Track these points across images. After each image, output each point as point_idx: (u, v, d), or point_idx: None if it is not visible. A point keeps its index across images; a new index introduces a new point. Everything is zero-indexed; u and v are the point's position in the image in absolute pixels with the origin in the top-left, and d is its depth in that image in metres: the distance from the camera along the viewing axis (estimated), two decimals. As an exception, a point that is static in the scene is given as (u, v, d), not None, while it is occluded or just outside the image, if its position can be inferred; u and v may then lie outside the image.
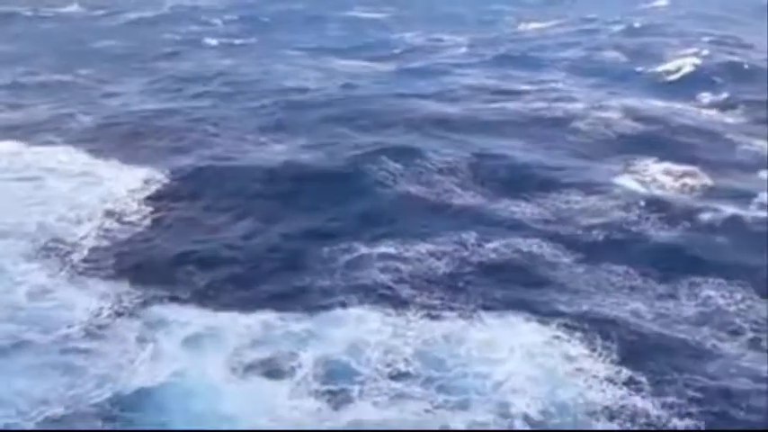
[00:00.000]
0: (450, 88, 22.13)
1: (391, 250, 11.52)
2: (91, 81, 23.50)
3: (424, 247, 11.72)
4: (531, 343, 9.50)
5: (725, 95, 21.93)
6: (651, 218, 13.35)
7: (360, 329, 9.70)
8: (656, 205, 13.85)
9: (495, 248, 11.99)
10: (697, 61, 25.84)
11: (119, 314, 10.18)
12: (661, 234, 12.72)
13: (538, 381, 8.78)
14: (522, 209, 13.76)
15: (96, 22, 34.12)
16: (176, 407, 8.23)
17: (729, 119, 19.89)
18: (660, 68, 25.01)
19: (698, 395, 8.53)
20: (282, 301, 10.37)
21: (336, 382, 8.82)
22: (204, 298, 10.57)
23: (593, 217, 13.40)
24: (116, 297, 10.61)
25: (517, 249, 12.01)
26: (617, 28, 32.74)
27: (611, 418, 8.17)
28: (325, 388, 8.75)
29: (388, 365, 9.05)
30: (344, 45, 29.95)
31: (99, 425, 7.91)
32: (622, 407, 8.33)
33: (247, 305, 10.29)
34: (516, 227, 12.96)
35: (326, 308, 10.22)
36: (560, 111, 19.54)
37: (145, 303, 10.45)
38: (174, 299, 10.54)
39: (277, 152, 16.61)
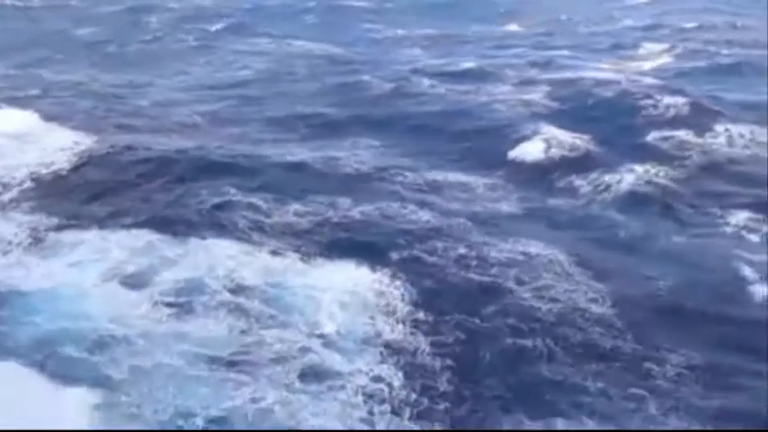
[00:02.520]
0: (392, 78, 24.37)
1: (262, 204, 14.06)
2: (60, 65, 26.74)
3: (294, 206, 14.15)
4: (357, 281, 11.68)
5: (668, 89, 23.75)
6: (517, 185, 15.80)
7: (218, 257, 12.19)
8: (527, 174, 16.48)
9: (362, 211, 14.25)
10: (653, 60, 27.94)
11: (29, 239, 12.99)
12: (513, 199, 15.07)
13: (348, 311, 10.93)
14: (407, 181, 16.02)
15: (81, 12, 37.49)
16: (45, 308, 10.68)
17: (654, 109, 21.72)
18: (610, 61, 27.20)
19: (464, 335, 10.42)
20: (163, 233, 12.99)
21: (188, 296, 11.19)
22: (101, 228, 13.35)
23: (465, 186, 15.73)
24: (32, 227, 13.46)
25: (383, 213, 14.26)
26: (594, 28, 34.83)
27: (386, 346, 10.13)
28: (177, 299, 11.10)
29: (233, 282, 11.46)
30: (314, 34, 32.89)
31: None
32: (399, 340, 10.32)
33: (133, 234, 12.96)
34: (394, 196, 15.17)
35: (197, 239, 12.80)
36: (485, 96, 21.99)
37: (53, 231, 13.28)
38: (77, 228, 13.33)
39: (204, 132, 19.40)
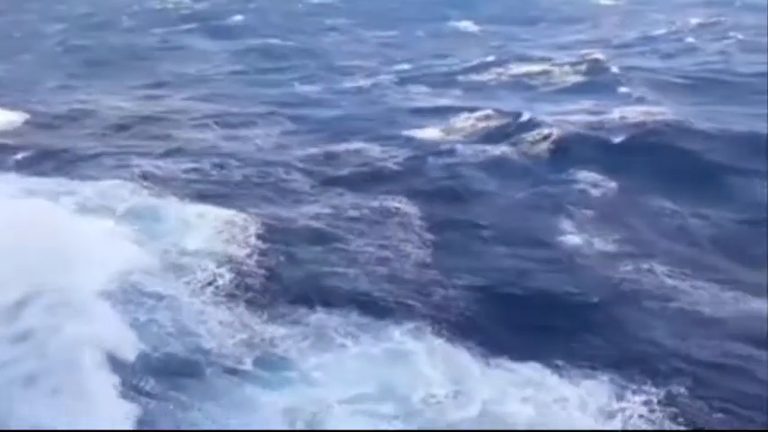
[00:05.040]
0: (329, 79, 28.17)
1: (161, 163, 17.95)
2: (23, 64, 31.12)
3: (186, 164, 17.81)
4: (222, 217, 14.84)
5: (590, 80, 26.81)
6: (404, 155, 18.84)
7: (111, 192, 16.00)
8: (417, 148, 19.46)
9: (245, 173, 17.63)
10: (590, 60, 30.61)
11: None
12: (395, 164, 18.18)
13: (208, 235, 14.16)
14: (303, 155, 19.14)
15: (53, 11, 42.19)
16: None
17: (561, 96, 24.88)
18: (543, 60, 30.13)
19: (289, 260, 13.36)
20: (73, 178, 17.09)
21: (85, 214, 14.78)
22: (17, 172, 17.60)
23: (356, 155, 18.87)
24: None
25: (265, 174, 17.56)
26: (550, 30, 38.02)
27: (229, 258, 13.22)
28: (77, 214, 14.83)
29: (119, 211, 15.00)
30: (278, 32, 37.03)
31: None
32: (239, 256, 13.34)
33: (49, 178, 17.12)
34: (283, 164, 18.33)
35: (100, 182, 16.64)
36: (406, 93, 25.48)
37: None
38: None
39: (128, 123, 22.83)
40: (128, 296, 11.87)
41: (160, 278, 12.51)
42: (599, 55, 30.18)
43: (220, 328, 11.05)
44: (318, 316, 11.49)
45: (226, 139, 20.55)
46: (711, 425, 9.65)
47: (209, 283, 12.35)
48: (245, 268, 12.97)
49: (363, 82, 27.02)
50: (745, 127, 20.52)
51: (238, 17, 42.11)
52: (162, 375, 10.16)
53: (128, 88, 26.97)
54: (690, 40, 35.05)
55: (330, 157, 18.95)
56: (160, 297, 11.86)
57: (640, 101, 23.27)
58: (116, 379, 9.92)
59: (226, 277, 12.58)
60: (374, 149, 19.51)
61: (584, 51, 31.17)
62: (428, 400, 9.81)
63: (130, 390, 9.85)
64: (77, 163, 18.37)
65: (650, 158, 18.61)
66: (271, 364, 10.35)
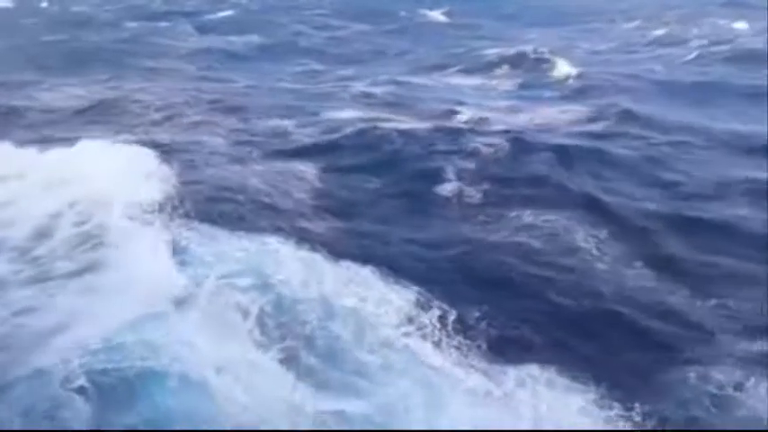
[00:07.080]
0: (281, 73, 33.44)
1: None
2: None
3: (124, 138, 22.23)
4: (150, 173, 19.04)
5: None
6: (320, 130, 23.54)
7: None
8: (335, 128, 23.73)
9: (175, 139, 22.27)
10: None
11: None
12: (308, 135, 22.87)
13: (142, 184, 18.07)
14: (231, 128, 23.89)
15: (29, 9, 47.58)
16: None
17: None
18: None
19: (194, 195, 17.44)
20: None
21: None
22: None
23: (271, 130, 23.61)
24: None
25: (197, 146, 22.01)
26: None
27: (150, 193, 17.41)
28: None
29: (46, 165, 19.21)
30: (250, 27, 42.50)
31: None
32: (157, 172, 18.17)
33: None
34: (214, 134, 23.10)
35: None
36: (339, 88, 30.32)
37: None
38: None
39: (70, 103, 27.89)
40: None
41: (107, 203, 16.56)
42: (556, 59, 34.44)
43: (145, 231, 15.62)
44: (215, 228, 15.90)
45: (164, 119, 25.24)
46: (494, 334, 12.95)
47: (145, 205, 16.73)
48: (166, 197, 17.33)
49: (312, 81, 32.08)
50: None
51: (226, 13, 47.69)
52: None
53: (88, 81, 31.50)
54: (651, 45, 39.67)
55: (251, 131, 23.59)
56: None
57: (562, 102, 27.99)
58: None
59: (155, 199, 17.08)
60: (291, 126, 24.17)
61: (539, 52, 35.55)
62: (282, 281, 13.81)
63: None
64: (29, 146, 21.67)
65: (547, 140, 22.87)
66: (177, 251, 14.71)
